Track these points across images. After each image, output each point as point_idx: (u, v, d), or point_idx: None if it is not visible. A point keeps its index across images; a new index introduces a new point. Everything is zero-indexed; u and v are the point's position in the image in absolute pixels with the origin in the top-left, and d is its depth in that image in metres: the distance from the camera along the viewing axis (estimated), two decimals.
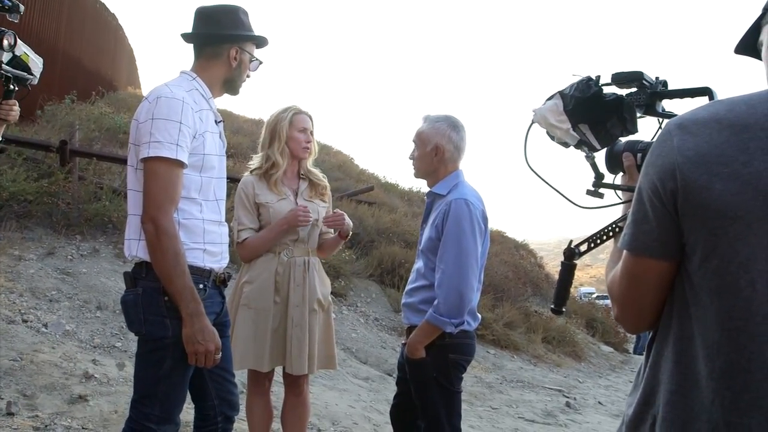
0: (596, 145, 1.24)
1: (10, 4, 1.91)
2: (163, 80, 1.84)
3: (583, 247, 1.24)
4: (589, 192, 1.27)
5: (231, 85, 1.92)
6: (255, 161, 2.51)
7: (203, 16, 1.88)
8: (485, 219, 2.07)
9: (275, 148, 2.42)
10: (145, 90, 15.22)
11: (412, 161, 2.21)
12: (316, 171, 2.55)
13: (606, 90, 1.21)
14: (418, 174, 2.22)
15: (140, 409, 1.73)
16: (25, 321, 3.75)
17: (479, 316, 2.16)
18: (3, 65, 1.91)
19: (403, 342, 2.23)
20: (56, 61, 8.23)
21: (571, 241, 1.30)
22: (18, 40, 1.94)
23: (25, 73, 1.99)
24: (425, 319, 2.02)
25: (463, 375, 2.12)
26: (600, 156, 1.27)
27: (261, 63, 1.95)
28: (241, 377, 3.20)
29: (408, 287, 2.20)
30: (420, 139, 2.17)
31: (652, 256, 0.90)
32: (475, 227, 1.99)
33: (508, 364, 6.50)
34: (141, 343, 1.76)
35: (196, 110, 1.75)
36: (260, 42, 1.95)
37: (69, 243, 5.06)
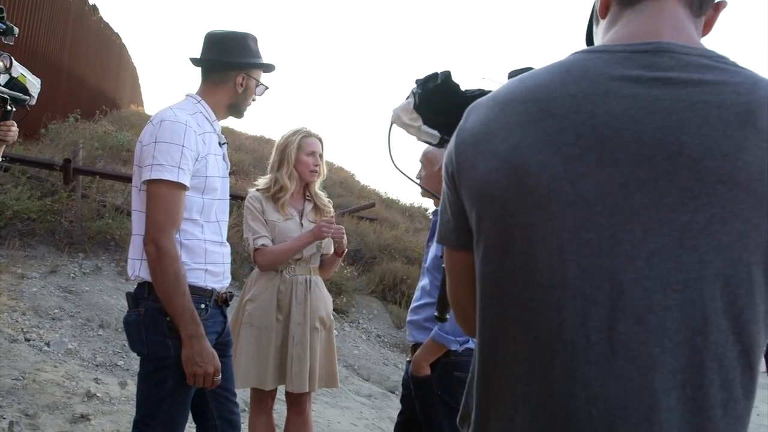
0: None
1: (4, 26, 1.94)
2: (166, 98, 1.88)
3: None
4: None
5: (236, 110, 1.95)
6: (262, 182, 2.52)
7: (212, 41, 1.91)
8: None
9: (284, 171, 2.44)
10: (148, 108, 15.36)
11: (419, 181, 2.23)
12: (323, 195, 2.57)
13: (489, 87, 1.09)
14: (425, 194, 2.23)
15: (142, 429, 1.73)
16: (27, 340, 3.75)
17: None
18: (0, 87, 1.94)
19: (408, 359, 2.23)
20: (60, 80, 8.32)
21: None
22: (14, 61, 1.97)
23: (23, 94, 2.02)
24: (430, 336, 2.02)
25: None
26: None
27: (267, 88, 1.99)
28: (242, 395, 3.19)
29: (413, 305, 2.20)
30: (427, 159, 2.19)
31: (453, 248, 0.85)
32: None
33: None
34: (143, 363, 1.77)
35: (199, 133, 1.77)
36: (267, 68, 1.98)
37: (72, 261, 5.07)
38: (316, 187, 2.55)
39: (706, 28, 0.80)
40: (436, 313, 1.23)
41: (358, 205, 9.04)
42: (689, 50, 0.72)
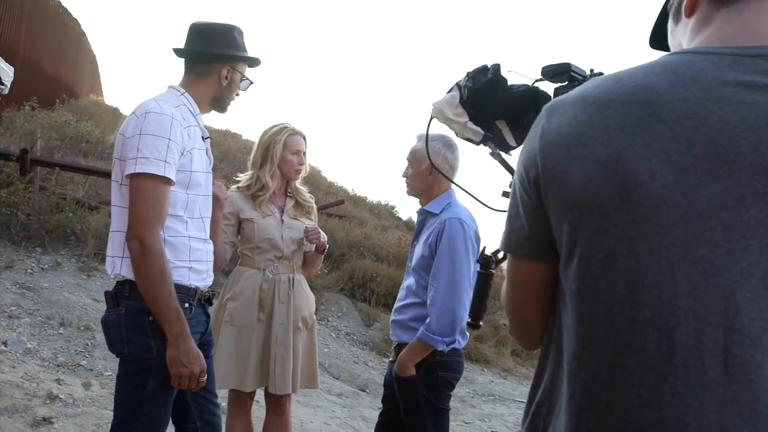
0: (512, 142, 1.11)
1: None
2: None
3: (501, 255, 1.14)
4: (505, 194, 1.09)
5: (219, 103, 1.90)
6: (243, 179, 2.45)
7: (197, 33, 1.85)
8: (478, 239, 2.08)
9: (266, 170, 2.36)
10: (108, 98, 14.85)
11: (405, 179, 2.22)
12: (304, 190, 2.51)
13: (539, 85, 1.07)
14: (412, 192, 2.22)
15: None
16: None
17: (468, 334, 2.16)
18: None
19: (391, 359, 2.21)
20: (15, 65, 7.92)
21: (484, 248, 1.22)
22: None
23: None
24: (417, 337, 2.01)
25: (451, 393, 2.12)
26: (515, 154, 1.12)
27: (251, 83, 1.94)
28: (220, 395, 3.11)
29: (397, 305, 2.19)
30: (414, 157, 2.18)
31: (525, 258, 0.80)
32: (469, 247, 2.00)
33: (479, 377, 6.52)
34: (123, 365, 1.69)
35: (184, 126, 1.71)
36: (252, 62, 1.93)
37: (29, 256, 4.84)
38: (298, 182, 2.50)
39: None
40: (469, 320, 1.20)
41: (326, 201, 8.97)
42: None
